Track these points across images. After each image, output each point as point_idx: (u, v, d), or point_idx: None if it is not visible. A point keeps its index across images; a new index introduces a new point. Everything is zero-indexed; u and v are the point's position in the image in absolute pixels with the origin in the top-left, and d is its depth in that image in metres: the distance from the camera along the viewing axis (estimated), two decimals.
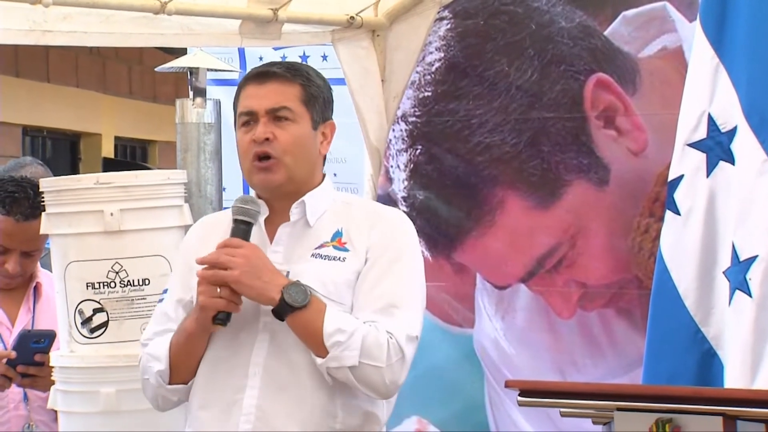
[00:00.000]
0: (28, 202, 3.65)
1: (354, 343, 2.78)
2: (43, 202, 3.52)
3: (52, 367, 3.52)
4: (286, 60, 3.08)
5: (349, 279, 2.87)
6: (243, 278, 2.82)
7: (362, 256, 2.89)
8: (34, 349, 3.55)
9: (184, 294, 3.01)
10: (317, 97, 2.94)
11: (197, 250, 2.96)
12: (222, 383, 2.90)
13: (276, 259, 2.91)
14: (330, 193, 2.99)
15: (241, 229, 2.90)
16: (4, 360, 3.55)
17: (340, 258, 2.89)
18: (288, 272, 2.88)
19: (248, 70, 5.43)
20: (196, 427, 2.95)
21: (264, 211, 2.97)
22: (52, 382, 3.52)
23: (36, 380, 3.58)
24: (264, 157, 2.89)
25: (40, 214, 3.55)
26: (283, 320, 2.83)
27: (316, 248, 2.90)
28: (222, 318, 2.86)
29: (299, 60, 5.27)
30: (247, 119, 2.93)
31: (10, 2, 3.62)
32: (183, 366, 2.94)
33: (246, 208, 2.91)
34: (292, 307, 2.79)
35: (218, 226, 3.01)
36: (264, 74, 2.94)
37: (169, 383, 2.96)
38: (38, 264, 3.80)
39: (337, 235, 2.91)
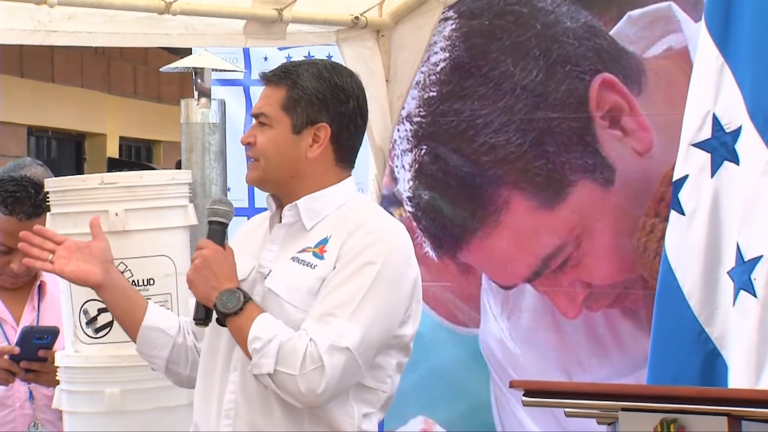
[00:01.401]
0: (29, 201, 3.65)
1: (270, 351, 2.76)
2: (45, 200, 3.53)
3: (57, 366, 3.52)
4: (291, 60, 3.05)
5: (313, 286, 2.84)
6: (194, 279, 2.88)
7: (331, 264, 2.85)
8: (37, 345, 3.55)
9: None
10: (300, 100, 2.90)
11: (238, 248, 2.98)
12: (212, 377, 2.93)
13: (269, 257, 2.93)
14: (340, 197, 2.94)
15: (214, 230, 2.94)
16: (8, 355, 3.56)
17: (310, 264, 2.86)
18: (270, 271, 2.90)
19: (253, 70, 5.48)
20: (195, 421, 2.97)
21: (271, 208, 2.99)
22: (57, 381, 3.52)
23: (39, 375, 3.59)
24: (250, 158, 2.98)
25: (43, 212, 3.56)
26: (224, 326, 2.85)
27: (298, 252, 2.90)
28: (201, 318, 2.89)
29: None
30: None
31: (15, 2, 3.62)
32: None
33: (215, 209, 2.96)
34: (223, 313, 2.83)
35: (261, 226, 3.02)
36: (262, 78, 2.99)
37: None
38: None
39: (323, 242, 2.88)
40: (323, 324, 2.78)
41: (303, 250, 2.89)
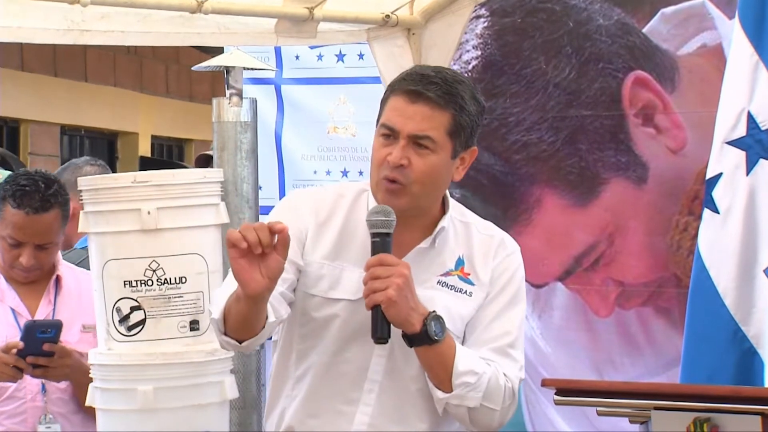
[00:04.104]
0: (38, 195, 3.66)
1: (480, 386, 2.77)
2: (57, 195, 3.58)
3: (65, 357, 3.53)
4: (443, 75, 2.81)
5: (470, 314, 2.85)
6: (398, 299, 2.70)
7: (485, 290, 2.86)
8: (41, 339, 3.54)
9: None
10: (465, 127, 2.80)
11: (315, 230, 2.84)
12: (331, 391, 2.85)
13: None
14: (450, 211, 2.90)
15: (388, 242, 2.75)
16: (14, 351, 3.55)
17: (466, 291, 2.84)
18: None
19: (284, 68, 5.49)
20: None
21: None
22: (66, 376, 3.54)
23: (47, 371, 3.58)
24: (392, 180, 2.79)
25: (51, 207, 3.59)
26: (411, 347, 2.77)
27: (441, 275, 2.84)
28: (385, 337, 2.74)
29: (335, 58, 5.26)
30: (387, 133, 2.80)
31: (49, 2, 3.64)
32: (234, 323, 2.76)
33: (389, 221, 2.76)
34: (432, 340, 2.73)
35: (337, 214, 2.86)
36: (417, 94, 2.77)
37: (224, 334, 2.79)
38: (59, 257, 3.82)
39: (460, 263, 2.85)
40: (505, 357, 2.82)
41: (446, 274, 2.85)
